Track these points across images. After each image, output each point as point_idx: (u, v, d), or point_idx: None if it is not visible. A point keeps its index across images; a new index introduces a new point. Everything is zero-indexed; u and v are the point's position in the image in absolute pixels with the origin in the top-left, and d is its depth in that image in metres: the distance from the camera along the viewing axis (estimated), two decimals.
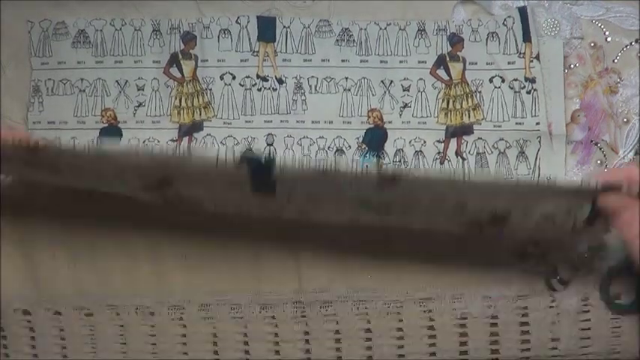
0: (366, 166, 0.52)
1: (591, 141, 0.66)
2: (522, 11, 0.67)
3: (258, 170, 0.51)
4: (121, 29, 0.68)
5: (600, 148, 0.66)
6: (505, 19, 0.67)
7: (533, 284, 0.65)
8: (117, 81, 0.67)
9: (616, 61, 0.67)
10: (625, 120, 0.66)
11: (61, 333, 0.66)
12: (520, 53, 0.67)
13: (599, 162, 0.66)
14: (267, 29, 0.67)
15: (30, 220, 0.66)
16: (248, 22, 0.67)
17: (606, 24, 0.68)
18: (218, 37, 0.67)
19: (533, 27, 0.67)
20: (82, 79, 0.67)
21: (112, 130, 0.67)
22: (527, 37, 0.67)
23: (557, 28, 0.67)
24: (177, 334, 0.66)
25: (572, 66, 0.67)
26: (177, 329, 0.66)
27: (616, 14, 0.67)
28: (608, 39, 0.67)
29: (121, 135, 0.67)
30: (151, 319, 0.66)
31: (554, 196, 0.51)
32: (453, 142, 0.66)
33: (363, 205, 0.55)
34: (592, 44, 0.67)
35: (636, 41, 0.67)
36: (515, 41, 0.67)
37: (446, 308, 0.65)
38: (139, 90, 0.67)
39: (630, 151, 0.66)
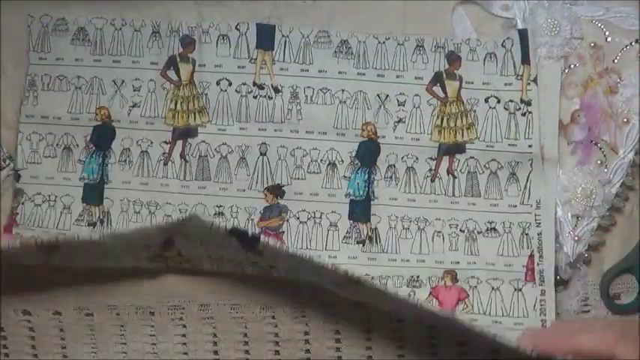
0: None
1: (591, 141, 0.67)
2: (522, 33, 0.67)
3: (246, 240, 0.54)
4: (120, 29, 0.67)
5: (600, 148, 0.66)
6: (504, 41, 0.67)
7: None
8: (113, 80, 0.67)
9: (616, 61, 0.67)
10: (625, 120, 0.66)
11: (61, 333, 0.67)
12: (518, 75, 0.67)
13: (599, 162, 0.66)
14: (266, 37, 0.67)
15: None
16: (247, 29, 0.67)
17: (606, 24, 0.68)
18: (217, 42, 0.67)
19: (533, 49, 0.67)
20: (78, 77, 0.67)
21: (106, 128, 0.67)
22: (525, 60, 0.67)
23: (557, 28, 0.67)
24: (177, 334, 0.66)
25: (572, 66, 0.68)
26: (177, 329, 0.66)
27: (616, 14, 0.68)
28: (608, 39, 0.68)
29: (115, 134, 0.67)
30: (151, 319, 0.66)
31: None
32: (445, 160, 0.66)
33: (337, 286, 0.58)
34: (592, 44, 0.68)
35: (636, 41, 0.68)
36: (514, 63, 0.67)
37: None
38: (134, 90, 0.67)
39: (630, 151, 0.66)
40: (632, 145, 0.66)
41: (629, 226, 0.67)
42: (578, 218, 0.66)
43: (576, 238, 0.65)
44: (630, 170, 0.66)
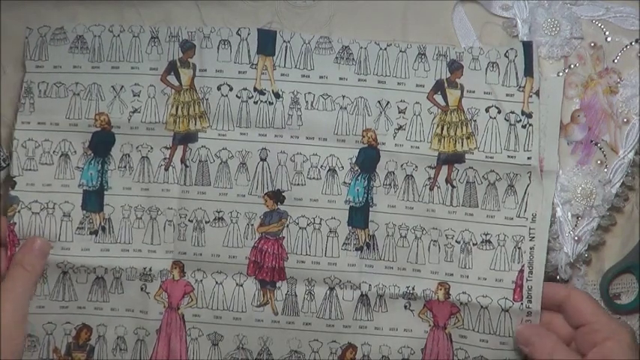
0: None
1: (591, 141, 0.67)
2: (527, 45, 0.67)
3: None
4: (119, 35, 0.67)
5: (600, 148, 0.66)
6: (507, 51, 0.67)
7: None
8: (112, 86, 0.67)
9: (616, 61, 0.67)
10: (625, 120, 0.66)
11: None
12: (520, 87, 0.66)
13: (599, 162, 0.66)
14: (267, 43, 0.67)
15: None
16: (248, 34, 0.67)
17: (606, 24, 0.68)
18: (218, 47, 0.67)
19: (537, 62, 0.66)
20: (76, 83, 0.67)
21: (105, 135, 0.67)
22: (528, 72, 0.66)
23: (557, 28, 0.67)
24: None
25: (572, 66, 0.67)
26: None
27: (616, 14, 0.67)
28: (608, 39, 0.67)
29: (114, 140, 0.67)
30: None
31: None
32: (444, 169, 0.66)
33: None
34: (592, 44, 0.67)
35: (636, 41, 0.67)
36: (516, 74, 0.66)
37: None
38: (134, 96, 0.67)
39: (630, 151, 0.66)
40: (632, 145, 0.66)
41: (629, 226, 0.67)
42: (578, 218, 0.66)
43: (576, 238, 0.65)
44: (630, 170, 0.66)
